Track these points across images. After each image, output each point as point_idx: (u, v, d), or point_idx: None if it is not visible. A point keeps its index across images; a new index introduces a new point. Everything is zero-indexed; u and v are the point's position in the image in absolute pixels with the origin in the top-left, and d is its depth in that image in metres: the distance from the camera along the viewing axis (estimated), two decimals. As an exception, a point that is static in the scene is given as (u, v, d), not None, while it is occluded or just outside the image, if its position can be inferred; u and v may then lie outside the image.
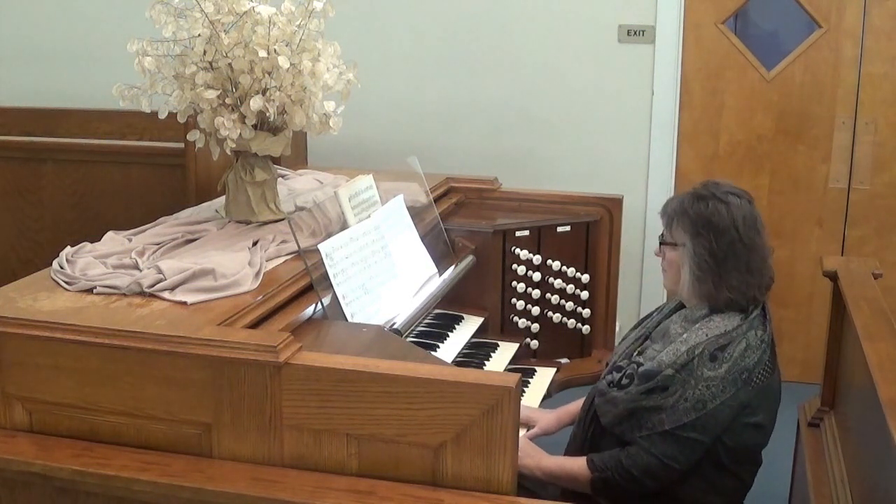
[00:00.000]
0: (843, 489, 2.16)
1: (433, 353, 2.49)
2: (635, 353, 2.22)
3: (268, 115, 2.40)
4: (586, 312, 3.11)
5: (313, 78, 2.41)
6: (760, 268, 2.12)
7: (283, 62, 2.32)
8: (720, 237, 2.09)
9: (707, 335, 2.07)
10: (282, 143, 2.50)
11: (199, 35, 2.37)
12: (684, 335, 2.10)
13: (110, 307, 1.96)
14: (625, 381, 2.12)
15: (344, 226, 2.42)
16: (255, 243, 2.33)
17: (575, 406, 2.44)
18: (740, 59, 4.08)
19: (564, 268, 3.04)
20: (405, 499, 1.68)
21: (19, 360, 1.87)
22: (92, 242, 2.32)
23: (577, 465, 2.12)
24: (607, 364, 2.30)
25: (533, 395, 2.65)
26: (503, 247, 2.95)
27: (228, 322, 1.90)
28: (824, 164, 4.08)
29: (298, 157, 3.92)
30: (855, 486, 2.10)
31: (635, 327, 2.38)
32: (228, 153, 2.50)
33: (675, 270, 2.19)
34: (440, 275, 2.69)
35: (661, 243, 2.23)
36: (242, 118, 2.39)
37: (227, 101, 2.40)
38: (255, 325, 1.96)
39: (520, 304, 2.97)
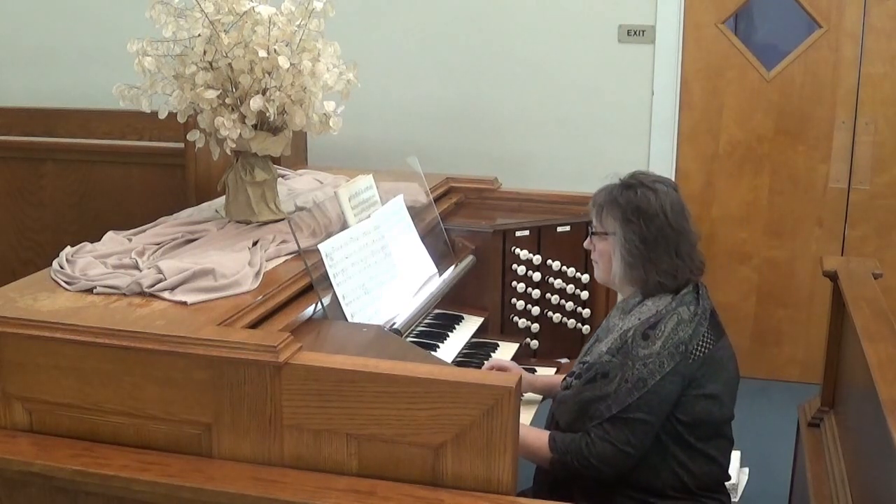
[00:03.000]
0: (843, 489, 2.16)
1: (433, 353, 2.49)
2: (584, 355, 2.26)
3: (268, 115, 2.40)
4: (586, 312, 3.11)
5: (313, 78, 2.41)
6: (690, 252, 2.17)
7: (283, 62, 2.32)
8: (650, 222, 2.13)
9: (640, 318, 2.12)
10: (282, 143, 2.50)
11: (199, 35, 2.37)
12: (620, 324, 2.16)
13: (110, 307, 1.96)
14: (571, 380, 2.18)
15: (344, 226, 2.43)
16: (255, 243, 2.33)
17: (549, 378, 2.51)
18: (740, 59, 4.08)
19: (564, 268, 3.04)
20: (405, 499, 1.68)
21: (19, 360, 1.87)
22: (92, 242, 2.32)
23: (539, 441, 2.13)
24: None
25: (529, 404, 2.64)
26: (503, 247, 2.95)
27: (228, 322, 1.90)
28: (824, 164, 4.08)
29: (298, 157, 3.92)
30: (855, 486, 2.10)
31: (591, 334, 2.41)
32: (228, 153, 2.50)
33: (607, 260, 2.22)
34: (440, 275, 2.69)
35: (591, 234, 2.26)
36: (242, 118, 2.39)
37: (227, 101, 2.40)
38: (255, 325, 1.96)
39: (520, 304, 2.98)
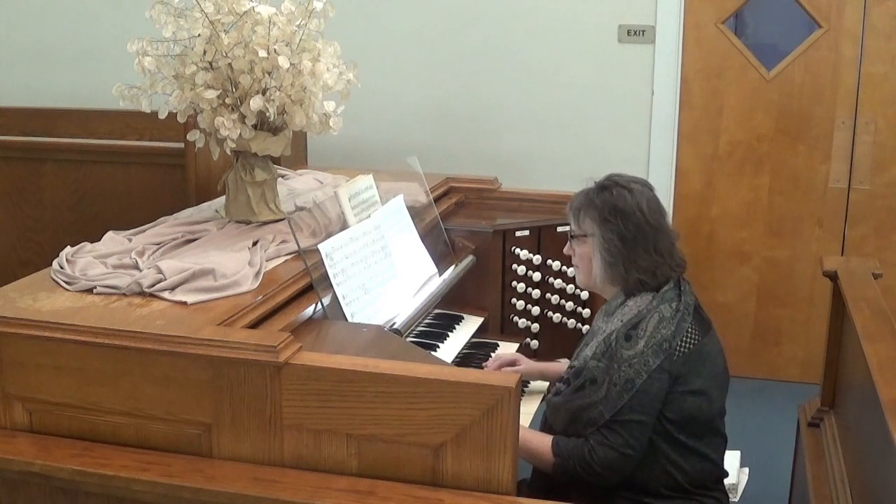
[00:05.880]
0: (843, 489, 2.16)
1: (433, 353, 2.49)
2: (573, 359, 2.26)
3: (268, 115, 2.40)
4: (586, 312, 3.11)
5: (313, 78, 2.41)
6: (669, 250, 2.18)
7: (283, 62, 2.32)
8: (627, 220, 2.15)
9: (622, 320, 2.12)
10: (282, 143, 2.50)
11: (199, 35, 2.37)
12: (604, 327, 2.17)
13: (110, 307, 1.96)
14: (561, 386, 2.19)
15: (344, 226, 2.43)
16: (255, 243, 2.33)
17: (561, 366, 2.51)
18: (740, 59, 4.08)
19: (564, 268, 3.04)
20: (405, 499, 1.68)
21: (19, 360, 1.87)
22: (92, 242, 2.32)
23: (543, 445, 2.13)
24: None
25: (533, 394, 2.65)
26: (503, 247, 2.95)
27: (228, 322, 1.90)
28: (824, 164, 4.08)
29: (298, 157, 3.92)
30: (855, 486, 2.10)
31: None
32: (228, 153, 2.50)
33: (587, 263, 2.24)
34: (440, 275, 2.69)
35: (570, 237, 2.27)
36: (242, 118, 2.39)
37: (227, 101, 2.40)
38: (255, 325, 1.96)
39: (520, 304, 2.98)
